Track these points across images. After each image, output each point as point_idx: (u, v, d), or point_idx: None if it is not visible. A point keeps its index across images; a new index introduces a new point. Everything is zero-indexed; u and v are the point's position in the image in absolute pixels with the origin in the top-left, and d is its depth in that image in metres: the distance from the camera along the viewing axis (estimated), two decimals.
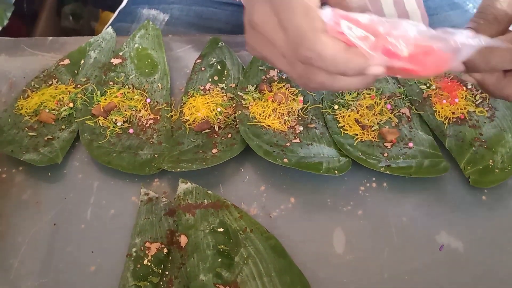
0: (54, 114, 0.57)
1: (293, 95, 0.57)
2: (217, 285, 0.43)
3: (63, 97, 0.58)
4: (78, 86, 0.60)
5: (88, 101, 0.58)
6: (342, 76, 0.39)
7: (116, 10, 0.83)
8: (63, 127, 0.56)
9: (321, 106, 0.57)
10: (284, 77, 0.60)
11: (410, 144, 0.52)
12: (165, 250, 0.46)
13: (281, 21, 0.38)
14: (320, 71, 0.38)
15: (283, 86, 0.58)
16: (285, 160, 0.50)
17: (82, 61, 0.63)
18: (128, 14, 0.81)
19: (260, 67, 0.61)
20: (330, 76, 0.39)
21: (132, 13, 0.80)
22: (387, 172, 0.50)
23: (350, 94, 0.57)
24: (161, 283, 0.44)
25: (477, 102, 0.56)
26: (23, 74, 0.64)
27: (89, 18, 1.75)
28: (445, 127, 0.54)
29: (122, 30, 0.77)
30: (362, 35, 0.36)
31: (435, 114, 0.55)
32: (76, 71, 0.62)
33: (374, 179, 0.52)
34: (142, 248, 0.46)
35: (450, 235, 0.47)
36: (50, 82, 0.61)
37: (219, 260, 0.44)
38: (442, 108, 0.55)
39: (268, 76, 0.60)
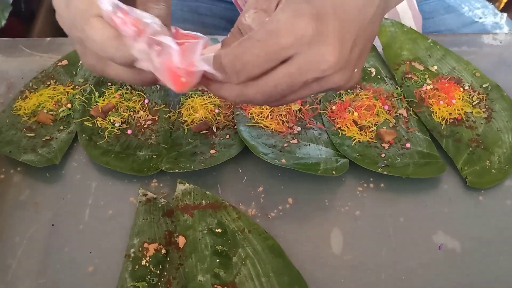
0: (52, 115, 0.57)
1: None
2: (215, 286, 0.43)
3: (61, 98, 0.59)
4: (76, 87, 0.60)
5: (86, 102, 0.58)
6: (113, 64, 0.39)
7: None
8: (61, 128, 0.56)
9: (319, 107, 0.57)
10: None
11: (408, 145, 0.53)
12: (163, 251, 0.46)
13: (66, 1, 0.39)
14: (91, 54, 0.39)
15: None
16: (283, 160, 0.50)
17: (80, 62, 0.63)
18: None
19: None
20: (100, 60, 0.39)
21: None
22: (385, 172, 0.50)
23: (348, 95, 0.57)
24: (159, 283, 0.44)
25: (474, 103, 0.56)
26: (21, 75, 0.64)
27: None
28: (442, 128, 0.54)
29: None
30: (131, 28, 0.37)
31: (432, 115, 0.56)
32: (74, 72, 0.63)
33: (371, 179, 0.52)
34: (140, 248, 0.46)
35: (447, 235, 0.48)
36: (48, 83, 0.61)
37: (217, 260, 0.45)
38: (439, 109, 0.55)
39: None
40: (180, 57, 0.36)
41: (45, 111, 0.57)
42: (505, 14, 0.83)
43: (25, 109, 0.58)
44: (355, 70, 0.37)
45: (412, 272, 0.45)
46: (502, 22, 0.81)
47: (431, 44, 0.63)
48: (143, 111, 0.57)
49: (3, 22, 1.03)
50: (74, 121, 0.56)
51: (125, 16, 0.36)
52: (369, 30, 0.37)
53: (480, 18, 0.82)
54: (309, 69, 0.34)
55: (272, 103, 0.38)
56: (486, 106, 0.56)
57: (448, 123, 0.55)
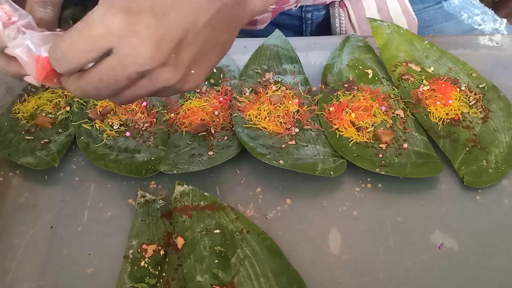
0: (51, 118, 0.57)
1: (289, 97, 0.57)
2: (213, 286, 0.43)
3: (59, 101, 0.59)
4: None
5: (85, 104, 0.58)
6: None
7: None
8: (60, 130, 0.56)
9: (316, 108, 0.57)
10: (280, 80, 0.60)
11: (405, 145, 0.53)
12: (162, 252, 0.46)
13: None
14: None
15: (279, 88, 0.58)
16: (281, 161, 0.50)
17: None
18: None
19: (256, 70, 0.61)
20: None
21: None
22: (382, 173, 0.50)
23: (345, 96, 0.57)
24: (158, 284, 0.44)
25: (471, 103, 0.57)
26: None
27: None
28: (439, 128, 0.55)
29: None
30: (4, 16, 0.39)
31: (429, 115, 0.56)
32: None
33: (369, 179, 0.52)
34: (139, 250, 0.46)
35: (445, 234, 0.48)
36: (47, 86, 0.61)
37: (216, 261, 0.45)
38: (436, 109, 0.56)
39: (264, 78, 0.60)
40: (35, 45, 0.38)
41: (44, 114, 0.57)
42: (504, 20, 0.83)
43: (23, 112, 0.58)
44: (192, 71, 0.38)
45: (410, 272, 0.45)
46: (501, 28, 0.82)
47: (428, 45, 0.63)
48: (141, 113, 0.57)
49: None
50: (72, 123, 0.57)
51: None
52: (208, 34, 0.38)
53: (480, 25, 0.82)
54: (127, 62, 0.35)
55: (112, 99, 0.39)
56: (483, 107, 0.56)
57: (445, 123, 0.55)
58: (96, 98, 0.39)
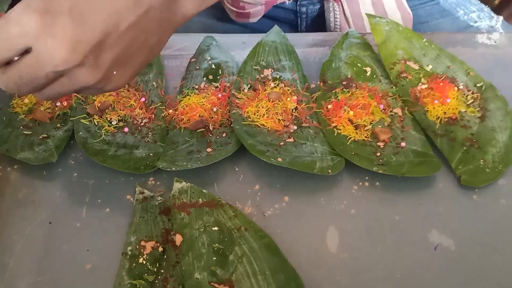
0: (49, 113, 0.57)
1: (287, 94, 0.57)
2: (212, 284, 0.43)
3: None
4: None
5: (83, 99, 0.58)
6: None
7: None
8: (58, 125, 0.56)
9: (315, 105, 0.57)
10: (278, 76, 0.60)
11: (403, 144, 0.53)
12: (160, 249, 0.46)
13: None
14: None
15: (277, 85, 0.59)
16: (279, 159, 0.51)
17: None
18: None
19: (254, 67, 0.61)
20: None
21: None
22: (380, 171, 0.51)
23: (343, 93, 0.58)
24: (156, 281, 0.45)
25: (468, 102, 0.57)
26: None
27: None
28: (437, 127, 0.55)
29: None
30: None
31: (427, 114, 0.56)
32: None
33: (367, 178, 0.52)
34: (137, 246, 0.46)
35: (442, 233, 0.48)
36: None
37: (214, 258, 0.45)
38: (434, 108, 0.56)
39: (262, 75, 0.61)
40: None
41: (42, 109, 0.57)
42: (500, 17, 0.83)
43: (21, 107, 0.58)
44: (114, 72, 0.39)
45: (407, 270, 0.46)
46: (497, 26, 0.82)
47: (426, 43, 0.63)
48: (140, 109, 0.57)
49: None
50: (71, 119, 0.56)
51: None
52: (132, 37, 0.38)
53: (476, 22, 0.83)
54: (43, 62, 0.36)
55: (35, 94, 0.40)
56: (480, 106, 0.57)
57: (442, 122, 0.55)
58: (19, 93, 0.40)
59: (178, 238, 0.46)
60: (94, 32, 0.36)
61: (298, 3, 0.79)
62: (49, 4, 0.35)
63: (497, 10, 1.16)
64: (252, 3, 0.76)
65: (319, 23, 0.80)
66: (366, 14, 0.66)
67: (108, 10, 0.37)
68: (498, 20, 0.84)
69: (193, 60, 0.64)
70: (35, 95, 0.41)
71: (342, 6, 0.76)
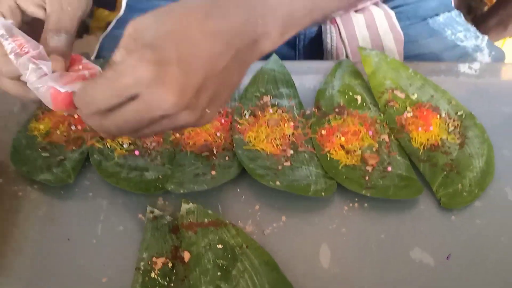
0: (65, 136, 0.62)
1: (285, 120, 0.62)
2: None
3: (72, 120, 0.63)
4: None
5: None
6: (3, 77, 0.48)
7: (110, 8, 0.86)
8: (74, 148, 0.60)
9: (310, 131, 0.62)
10: (276, 103, 0.65)
11: (389, 168, 0.58)
12: (170, 265, 0.51)
13: None
14: None
15: (276, 111, 0.64)
16: (278, 182, 0.55)
17: None
18: (126, 22, 0.83)
19: (254, 94, 0.66)
20: None
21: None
22: (368, 194, 0.55)
23: (336, 120, 0.63)
24: None
25: (449, 130, 0.62)
26: None
27: None
28: (420, 153, 0.60)
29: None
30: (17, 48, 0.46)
31: (411, 140, 0.61)
32: None
33: (356, 199, 0.57)
34: (149, 262, 0.51)
35: (423, 251, 0.53)
36: None
37: (219, 273, 0.49)
38: (418, 135, 0.61)
39: (262, 101, 0.65)
40: (53, 79, 0.44)
41: (58, 132, 0.62)
42: (485, 37, 0.88)
43: (39, 130, 0.62)
44: (207, 110, 0.43)
45: (391, 285, 0.50)
46: (483, 45, 0.87)
47: (412, 73, 0.68)
48: None
49: None
50: (85, 143, 0.61)
51: (13, 38, 0.45)
52: (223, 77, 0.42)
53: (462, 41, 0.87)
54: (153, 107, 0.39)
55: (131, 134, 0.44)
56: (460, 133, 0.62)
57: (425, 148, 0.60)
58: (117, 135, 0.43)
59: (186, 255, 0.50)
60: (197, 77, 0.39)
61: None
62: (160, 55, 0.38)
63: (484, 18, 1.21)
64: None
65: (317, 43, 0.84)
66: (358, 47, 0.71)
67: (206, 56, 0.40)
68: (483, 40, 0.89)
69: None
70: (130, 135, 0.44)
71: (338, 28, 0.80)
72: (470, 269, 0.51)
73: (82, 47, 1.63)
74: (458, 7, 0.96)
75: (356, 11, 0.82)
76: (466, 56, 0.87)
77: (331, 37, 0.81)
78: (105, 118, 0.41)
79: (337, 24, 0.80)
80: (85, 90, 0.41)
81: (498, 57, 0.89)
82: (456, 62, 0.78)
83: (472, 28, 0.91)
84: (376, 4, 0.82)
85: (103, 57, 0.83)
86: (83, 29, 1.72)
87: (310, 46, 0.85)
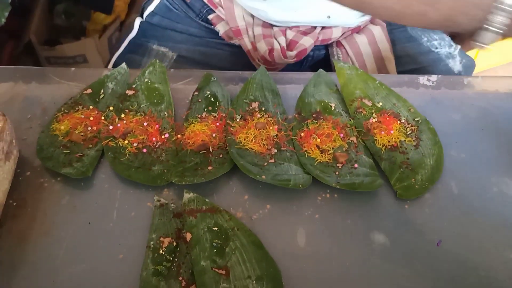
0: (82, 135, 0.70)
1: (270, 124, 0.73)
2: (213, 269, 0.54)
3: (88, 122, 0.72)
4: (101, 112, 0.73)
5: (110, 125, 0.72)
6: None
7: (106, 12, 0.92)
8: (90, 146, 0.69)
9: (291, 133, 0.72)
10: (263, 109, 0.75)
11: (356, 165, 0.67)
12: (175, 243, 0.57)
13: None
14: None
15: (262, 116, 0.74)
16: (263, 176, 0.63)
17: (102, 91, 0.76)
18: (139, 46, 0.89)
19: (244, 100, 0.76)
20: None
21: (143, 46, 0.89)
22: (338, 186, 0.62)
23: (313, 124, 0.73)
24: (172, 267, 0.55)
25: (407, 133, 0.71)
26: (52, 100, 0.75)
27: (81, 17, 1.81)
28: (382, 153, 0.67)
29: (134, 62, 0.88)
30: None
31: (375, 142, 0.69)
32: (97, 99, 0.75)
33: (328, 191, 0.64)
34: (157, 241, 0.57)
35: (381, 233, 0.60)
36: (77, 108, 0.73)
37: (214, 251, 0.55)
38: (381, 137, 0.69)
39: (251, 107, 0.75)
40: None
41: (77, 132, 0.70)
42: (458, 46, 0.96)
43: (60, 130, 0.71)
44: None
45: (354, 261, 0.57)
46: (455, 53, 0.95)
47: (378, 84, 0.78)
48: (155, 134, 0.71)
49: (3, 21, 1.11)
50: (100, 141, 0.69)
51: None
52: None
53: (437, 48, 0.95)
54: None
55: None
56: (416, 136, 0.70)
57: (386, 149, 0.67)
58: None
59: (188, 236, 0.57)
60: None
61: None
62: None
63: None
64: (282, 63, 0.86)
65: (326, 64, 0.90)
66: (333, 60, 0.80)
67: None
68: (456, 49, 0.97)
69: (195, 93, 0.76)
70: None
71: (345, 48, 0.87)
72: (420, 248, 0.58)
73: (79, 49, 1.71)
74: None
75: (357, 32, 0.89)
76: (439, 61, 0.94)
77: (337, 57, 0.88)
78: None
79: (343, 45, 0.87)
80: None
81: (469, 65, 0.96)
82: (427, 66, 0.86)
83: (447, 38, 0.98)
84: (373, 22, 0.90)
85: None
86: (81, 31, 1.78)
87: (317, 66, 0.89)
